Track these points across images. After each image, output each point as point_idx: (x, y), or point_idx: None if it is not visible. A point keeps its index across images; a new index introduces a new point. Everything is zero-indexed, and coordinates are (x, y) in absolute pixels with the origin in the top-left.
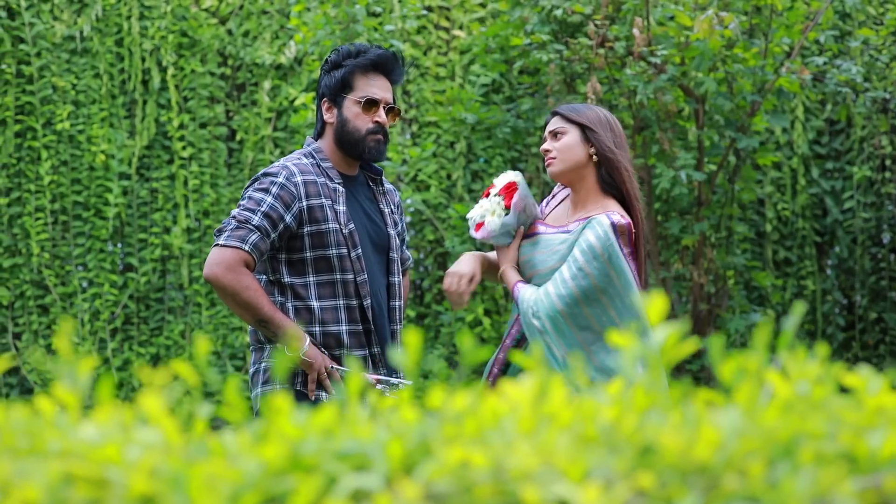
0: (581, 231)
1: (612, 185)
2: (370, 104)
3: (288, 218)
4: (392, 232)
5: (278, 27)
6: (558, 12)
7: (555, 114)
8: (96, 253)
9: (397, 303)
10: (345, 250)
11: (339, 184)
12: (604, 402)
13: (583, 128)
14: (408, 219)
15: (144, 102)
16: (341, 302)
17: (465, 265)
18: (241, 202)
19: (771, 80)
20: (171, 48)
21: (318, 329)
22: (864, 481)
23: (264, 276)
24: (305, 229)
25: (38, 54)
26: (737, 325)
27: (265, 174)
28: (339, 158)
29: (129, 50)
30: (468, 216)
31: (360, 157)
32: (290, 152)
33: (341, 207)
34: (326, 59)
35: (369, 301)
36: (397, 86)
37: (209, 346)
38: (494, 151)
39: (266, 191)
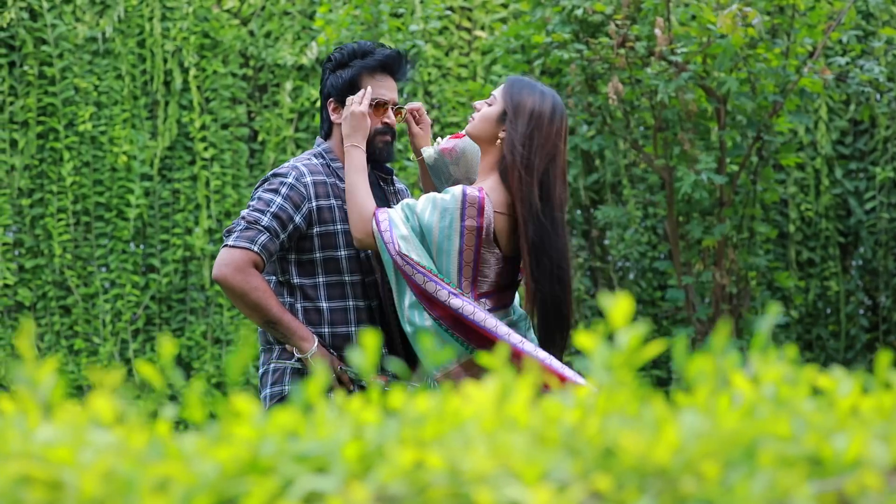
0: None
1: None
2: (379, 106)
3: (297, 218)
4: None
5: (300, 28)
6: (578, 12)
7: (509, 80)
8: (118, 254)
9: None
10: (354, 251)
11: None
12: (568, 405)
13: (505, 110)
14: None
15: (166, 103)
16: (350, 303)
17: None
18: (251, 203)
19: (793, 80)
20: (193, 49)
21: (327, 330)
22: (824, 484)
23: (274, 278)
24: (315, 230)
25: (61, 56)
26: (759, 327)
27: (274, 175)
28: None
29: (151, 51)
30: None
31: (369, 158)
32: None
33: None
34: (330, 58)
35: (377, 302)
36: (403, 84)
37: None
38: None
39: (275, 191)
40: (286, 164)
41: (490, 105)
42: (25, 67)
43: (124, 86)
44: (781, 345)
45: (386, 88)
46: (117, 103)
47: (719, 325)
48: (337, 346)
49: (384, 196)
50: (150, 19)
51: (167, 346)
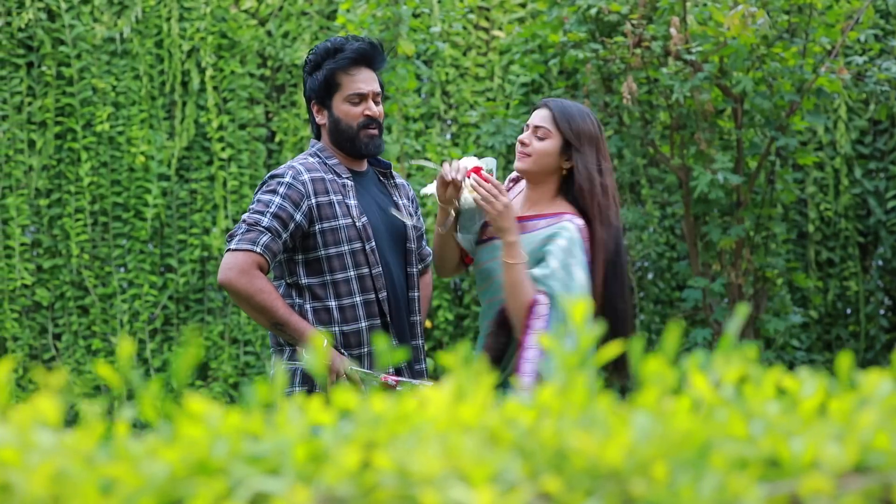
0: (550, 237)
1: (571, 195)
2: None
3: (298, 216)
4: (409, 223)
5: (318, 28)
6: (594, 11)
7: (546, 107)
8: (136, 254)
9: (416, 293)
10: (358, 244)
11: (347, 178)
12: (523, 406)
13: (568, 142)
14: None
15: (184, 104)
16: (358, 298)
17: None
18: (251, 206)
19: (810, 79)
20: (211, 49)
21: (338, 329)
22: (776, 486)
23: (282, 280)
24: (317, 227)
25: (79, 56)
26: (776, 327)
27: (272, 176)
28: (342, 157)
29: (169, 51)
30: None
31: (359, 153)
32: None
33: (353, 201)
34: (307, 61)
35: (385, 294)
36: (381, 71)
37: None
38: None
39: (274, 192)
40: (283, 165)
41: (543, 139)
42: (43, 68)
43: (142, 86)
44: (803, 345)
45: (362, 81)
46: (135, 104)
47: (669, 327)
48: (349, 343)
49: (385, 190)
50: (168, 20)
51: (125, 346)
